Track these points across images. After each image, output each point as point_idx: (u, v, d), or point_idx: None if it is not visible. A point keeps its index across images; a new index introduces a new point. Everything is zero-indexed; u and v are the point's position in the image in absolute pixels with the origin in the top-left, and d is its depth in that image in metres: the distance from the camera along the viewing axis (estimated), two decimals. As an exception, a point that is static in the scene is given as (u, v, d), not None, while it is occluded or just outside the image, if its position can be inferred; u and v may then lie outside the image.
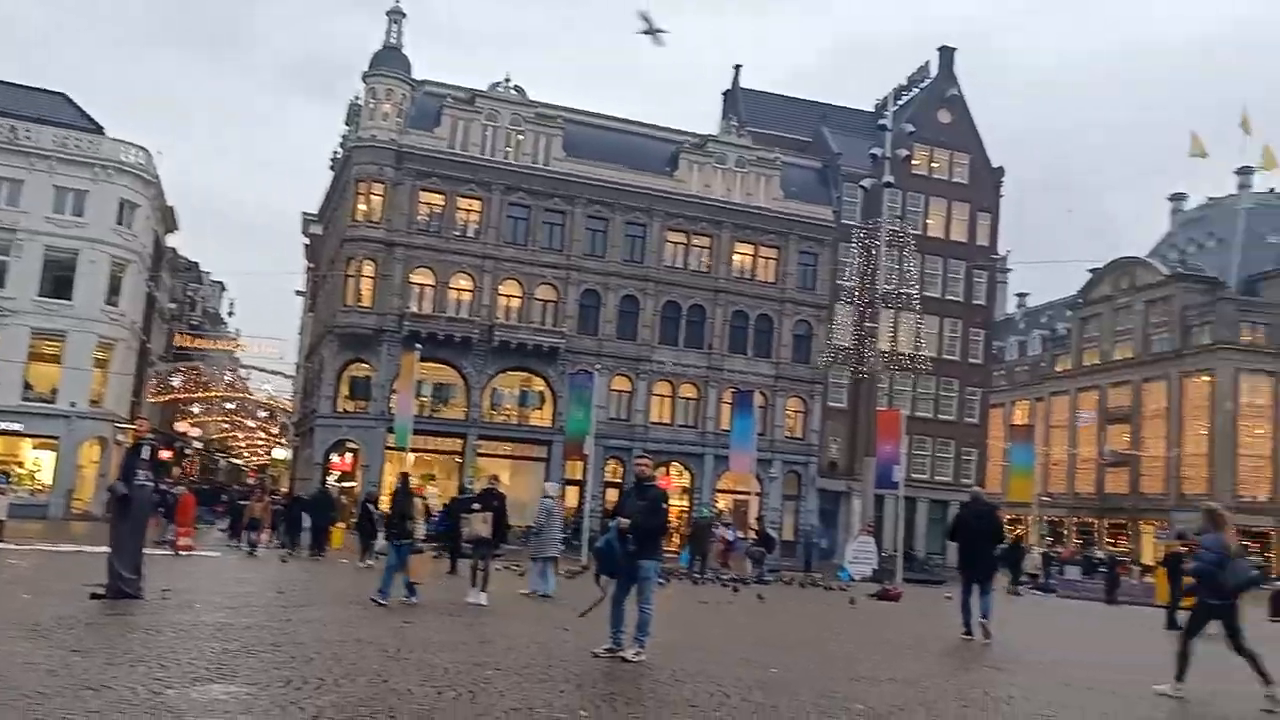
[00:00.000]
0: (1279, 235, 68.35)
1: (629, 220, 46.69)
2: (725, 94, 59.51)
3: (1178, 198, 77.67)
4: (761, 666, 9.43)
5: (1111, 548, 56.01)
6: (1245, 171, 70.46)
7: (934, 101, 54.18)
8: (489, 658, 8.91)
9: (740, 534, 30.07)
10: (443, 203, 44.31)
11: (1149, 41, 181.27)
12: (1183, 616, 17.98)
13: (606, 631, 9.38)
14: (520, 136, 45.77)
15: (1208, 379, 62.25)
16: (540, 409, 45.14)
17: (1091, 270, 73.99)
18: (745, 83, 58.77)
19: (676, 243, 47.55)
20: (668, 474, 44.56)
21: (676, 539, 27.68)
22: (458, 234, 44.32)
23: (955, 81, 55.23)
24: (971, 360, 53.08)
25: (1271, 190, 71.18)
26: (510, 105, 45.97)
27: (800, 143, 53.84)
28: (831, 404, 48.87)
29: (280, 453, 72.28)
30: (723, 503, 44.77)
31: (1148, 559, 50.40)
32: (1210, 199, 74.51)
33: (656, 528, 9.65)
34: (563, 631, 11.25)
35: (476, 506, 14.63)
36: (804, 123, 55.62)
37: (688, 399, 46.93)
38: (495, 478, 15.79)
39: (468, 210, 44.74)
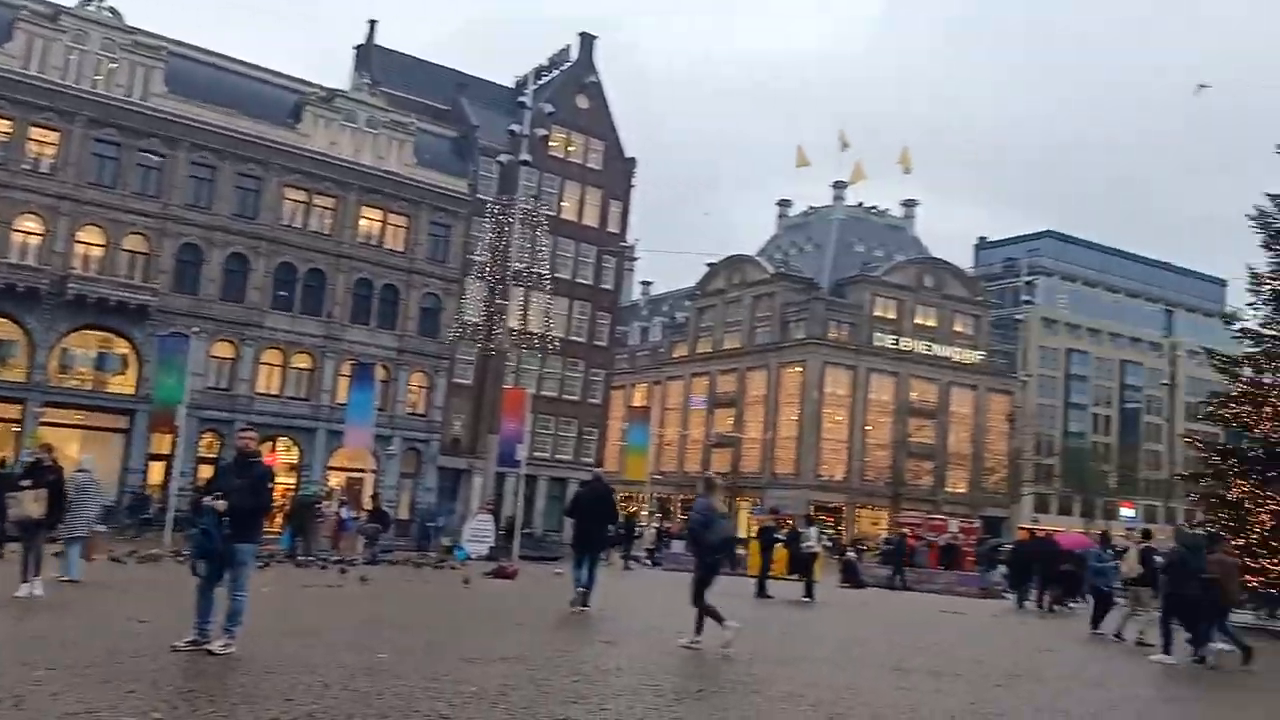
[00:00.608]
0: (864, 245, 78.71)
1: (241, 171, 43.34)
2: (358, 49, 57.18)
3: (784, 204, 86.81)
4: (368, 652, 9.08)
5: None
6: (840, 185, 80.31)
7: (573, 86, 55.74)
8: (40, 656, 7.77)
9: (353, 513, 29.09)
10: (10, 129, 38.38)
11: (771, 57, 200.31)
12: (773, 586, 20.10)
13: (191, 622, 8.55)
14: (113, 65, 40.81)
15: (800, 370, 70.25)
16: (123, 374, 40.69)
17: (709, 264, 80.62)
18: (381, 41, 56.85)
19: (296, 200, 44.91)
20: (274, 450, 42.15)
21: (279, 518, 26.13)
22: (27, 167, 38.62)
23: (594, 69, 57.20)
24: (597, 343, 55.49)
25: (860, 204, 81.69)
26: (102, 28, 40.82)
27: (437, 110, 53.05)
28: (457, 380, 48.79)
29: None
30: (335, 480, 43.26)
31: (743, 533, 55.77)
32: (811, 207, 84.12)
33: (258, 508, 8.97)
34: (137, 624, 10.11)
35: (26, 483, 12.62)
36: (441, 90, 54.86)
37: (301, 369, 44.61)
38: (48, 447, 13.59)
39: (42, 141, 39.13)
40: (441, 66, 58.31)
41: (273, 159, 43.92)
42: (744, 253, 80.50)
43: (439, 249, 48.53)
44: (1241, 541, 20.34)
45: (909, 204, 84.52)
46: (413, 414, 47.42)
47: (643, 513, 50.07)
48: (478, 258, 40.28)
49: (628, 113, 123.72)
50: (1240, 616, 15.74)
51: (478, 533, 29.56)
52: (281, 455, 42.95)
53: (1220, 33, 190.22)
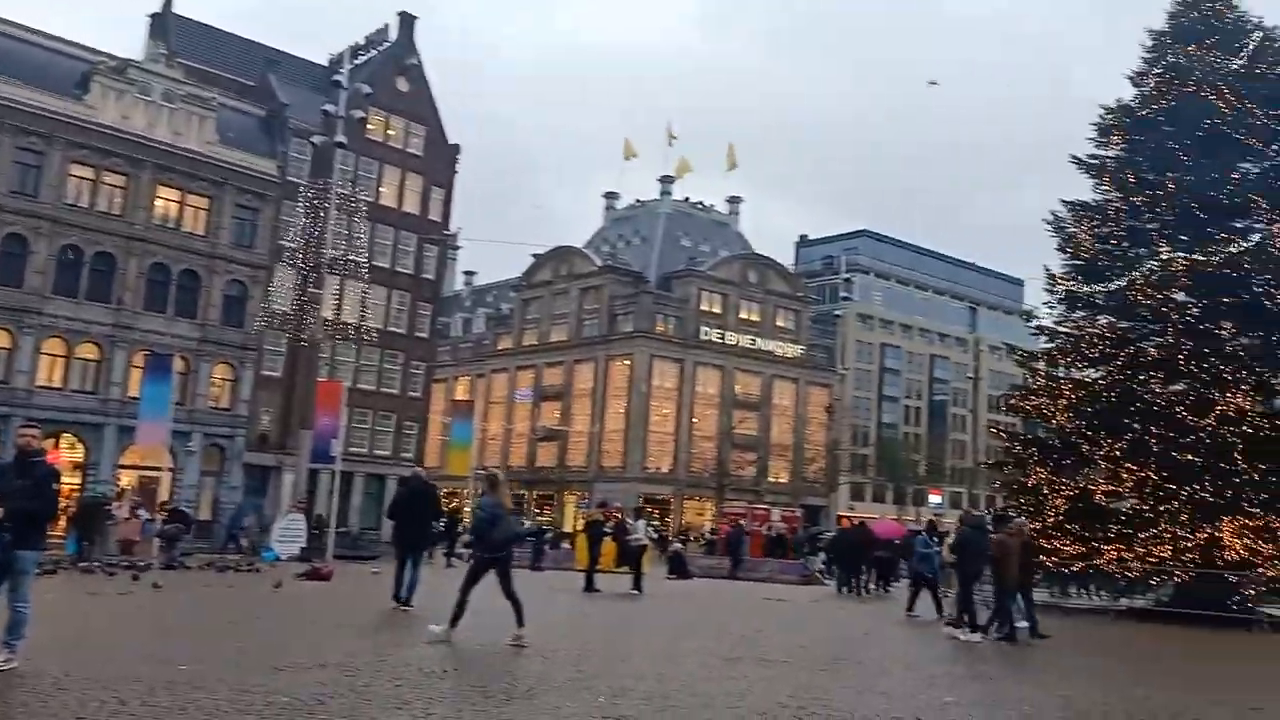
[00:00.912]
0: (690, 239, 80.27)
1: (21, 145, 40.18)
2: (153, 18, 53.79)
3: (611, 196, 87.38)
4: (168, 663, 8.53)
5: (539, 517, 61.31)
6: (667, 180, 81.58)
7: (392, 67, 54.29)
8: None
9: (148, 515, 27.45)
10: None
11: (601, 50, 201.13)
12: (601, 579, 20.21)
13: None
14: None
15: (628, 363, 71.04)
16: (-120, 366, 36.97)
17: (535, 255, 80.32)
18: (179, 9, 53.73)
19: (82, 177, 41.95)
20: (56, 447, 39.24)
21: (63, 522, 24.33)
22: None
23: (415, 50, 55.86)
24: (418, 334, 54.35)
25: (686, 199, 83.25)
26: None
27: (242, 86, 50.63)
28: (266, 372, 46.79)
29: None
30: (126, 479, 40.75)
31: (569, 527, 56.06)
32: (638, 201, 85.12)
33: (41, 512, 8.29)
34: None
35: None
36: (248, 65, 52.40)
37: (87, 360, 41.75)
38: None
39: None
40: (247, 39, 55.72)
41: (56, 132, 40.86)
42: (571, 244, 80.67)
43: (245, 233, 46.35)
44: (1039, 524, 21.90)
45: (734, 200, 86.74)
46: (216, 408, 45.17)
47: (466, 509, 49.40)
48: (288, 243, 38.69)
49: (451, 99, 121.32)
50: (1035, 594, 16.92)
51: (288, 533, 28.44)
52: (65, 453, 40.09)
53: (1027, 47, 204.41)
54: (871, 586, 24.17)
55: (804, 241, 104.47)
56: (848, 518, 35.80)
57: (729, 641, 12.62)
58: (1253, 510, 20.64)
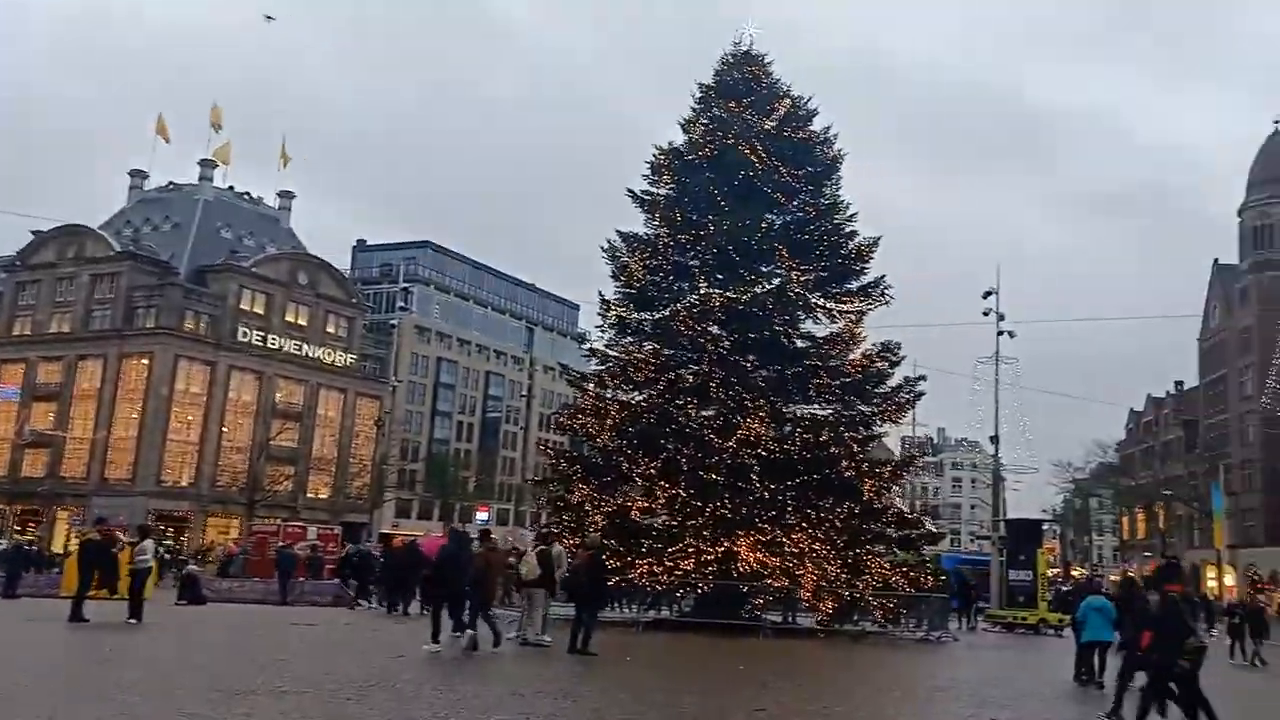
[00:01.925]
0: (233, 231, 75.16)
1: None
2: None
3: (138, 175, 79.22)
4: None
5: (20, 535, 53.64)
6: (208, 164, 75.69)
7: None
8: None
9: None
10: None
11: (136, 24, 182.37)
12: (94, 608, 17.81)
13: None
14: None
15: (146, 362, 64.76)
16: None
17: (35, 232, 71.01)
18: None
19: None
20: None
21: None
22: None
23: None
24: None
25: (231, 187, 77.87)
26: None
27: None
28: None
29: None
30: None
31: (60, 547, 49.83)
32: (172, 184, 78.10)
33: None
34: None
35: None
36: None
37: None
38: None
39: None
40: None
41: None
42: (84, 223, 72.04)
43: None
44: (577, 541, 22.83)
45: (285, 195, 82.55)
46: None
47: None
48: None
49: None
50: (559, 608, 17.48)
51: None
52: None
53: (589, 78, 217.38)
54: (415, 608, 23.73)
55: (362, 246, 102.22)
56: (393, 535, 35.21)
57: (243, 671, 11.59)
58: (764, 526, 23.16)
